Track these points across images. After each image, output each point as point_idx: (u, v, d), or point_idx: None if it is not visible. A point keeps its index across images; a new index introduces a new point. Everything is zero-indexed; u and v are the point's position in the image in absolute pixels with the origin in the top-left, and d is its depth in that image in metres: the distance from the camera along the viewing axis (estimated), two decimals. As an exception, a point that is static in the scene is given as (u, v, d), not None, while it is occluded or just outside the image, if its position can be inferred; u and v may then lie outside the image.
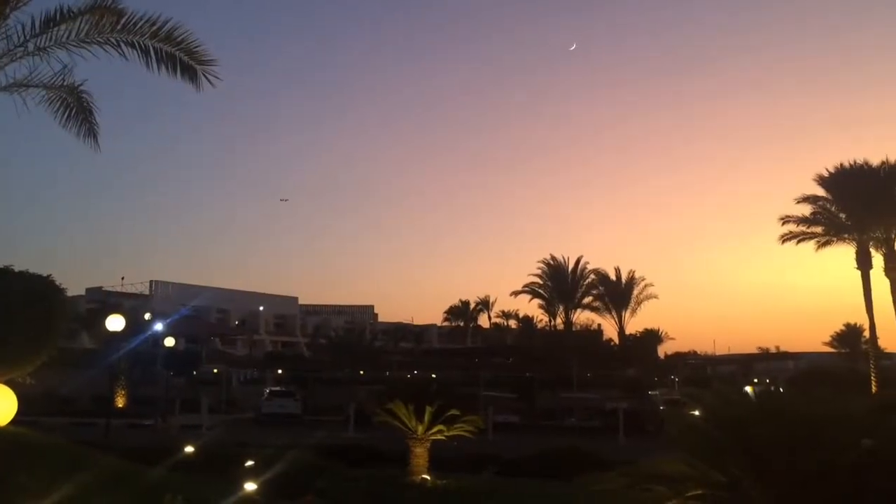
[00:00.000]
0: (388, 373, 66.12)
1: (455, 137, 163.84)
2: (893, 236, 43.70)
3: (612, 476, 6.73)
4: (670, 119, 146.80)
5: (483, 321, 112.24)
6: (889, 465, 6.11)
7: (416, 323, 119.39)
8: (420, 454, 17.48)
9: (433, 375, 55.90)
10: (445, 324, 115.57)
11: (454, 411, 17.20)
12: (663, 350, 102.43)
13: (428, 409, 17.08)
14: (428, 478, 17.10)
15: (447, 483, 16.72)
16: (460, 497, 14.82)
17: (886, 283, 43.74)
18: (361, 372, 63.70)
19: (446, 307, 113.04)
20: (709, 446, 6.27)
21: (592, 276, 73.33)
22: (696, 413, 7.24)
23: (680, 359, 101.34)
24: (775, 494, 5.56)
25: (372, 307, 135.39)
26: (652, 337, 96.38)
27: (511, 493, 15.36)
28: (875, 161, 44.60)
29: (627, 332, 78.12)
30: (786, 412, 6.18)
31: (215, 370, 68.12)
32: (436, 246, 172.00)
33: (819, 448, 5.74)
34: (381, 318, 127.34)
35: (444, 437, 17.56)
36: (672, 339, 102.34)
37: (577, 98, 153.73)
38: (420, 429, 17.35)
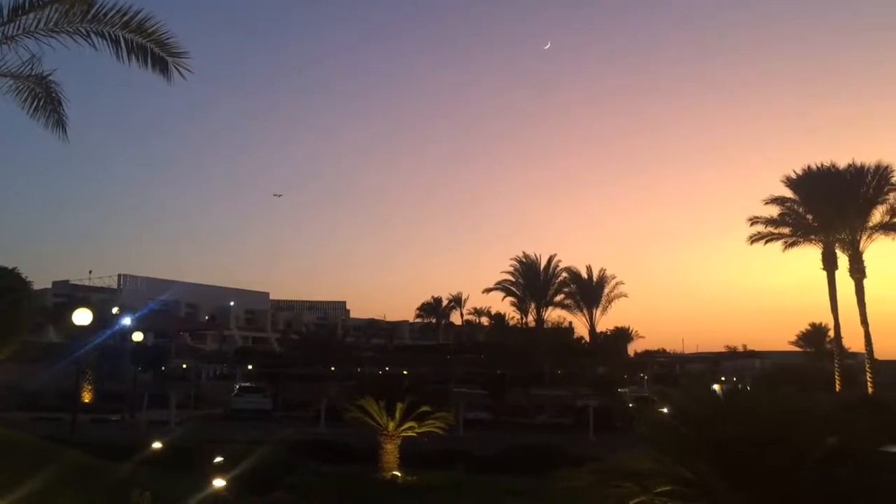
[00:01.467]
0: (359, 369, 65.83)
1: (430, 136, 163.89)
2: (858, 238, 44.56)
3: (582, 473, 6.77)
4: (643, 119, 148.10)
5: (455, 318, 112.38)
6: (853, 462, 6.23)
7: (388, 319, 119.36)
8: (391, 450, 17.49)
9: (405, 372, 55.76)
10: (418, 320, 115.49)
11: (425, 408, 17.23)
12: (633, 348, 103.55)
13: (399, 406, 17.08)
14: (398, 474, 17.11)
15: (417, 479, 16.74)
16: (430, 493, 14.84)
17: (851, 284, 44.61)
18: (333, 368, 63.40)
19: (419, 304, 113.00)
20: (677, 443, 6.33)
21: (564, 274, 73.74)
22: (665, 411, 7.32)
23: (649, 357, 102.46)
24: (742, 490, 5.64)
25: (344, 303, 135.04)
26: (622, 335, 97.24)
27: (481, 489, 15.41)
28: (842, 164, 45.51)
29: (598, 330, 78.73)
30: (753, 410, 6.27)
31: (184, 365, 67.41)
32: (409, 242, 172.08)
33: (786, 445, 5.83)
34: (353, 314, 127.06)
35: (414, 434, 17.57)
36: (642, 337, 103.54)
37: (551, 98, 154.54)
38: (391, 425, 17.35)
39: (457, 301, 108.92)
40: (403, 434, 17.65)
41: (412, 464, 18.03)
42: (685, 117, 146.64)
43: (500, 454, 20.08)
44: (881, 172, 43.97)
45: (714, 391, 7.39)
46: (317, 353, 65.78)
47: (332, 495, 13.26)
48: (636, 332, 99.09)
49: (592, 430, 37.70)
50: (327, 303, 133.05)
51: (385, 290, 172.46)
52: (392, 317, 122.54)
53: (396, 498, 14.52)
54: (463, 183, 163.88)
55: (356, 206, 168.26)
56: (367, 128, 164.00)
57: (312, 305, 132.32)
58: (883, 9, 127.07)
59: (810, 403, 6.47)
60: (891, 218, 43.74)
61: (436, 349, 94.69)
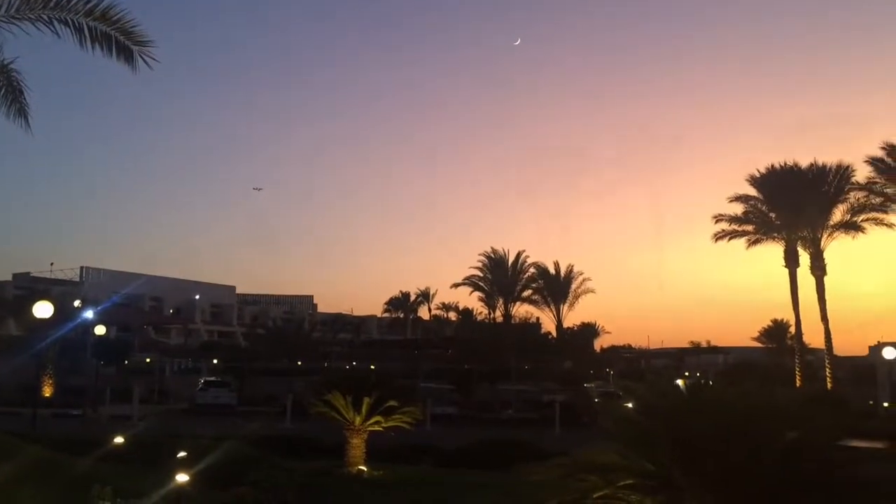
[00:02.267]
0: (326, 363, 65.55)
1: (397, 129, 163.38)
2: (820, 236, 45.46)
3: (546, 466, 6.80)
4: (609, 118, 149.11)
5: (423, 313, 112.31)
6: (813, 455, 6.36)
7: (355, 314, 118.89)
8: (357, 445, 17.44)
9: (372, 367, 55.62)
10: (385, 315, 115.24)
11: (392, 402, 17.20)
12: (599, 343, 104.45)
13: (366, 401, 17.04)
14: (365, 469, 17.07)
15: (384, 474, 16.72)
16: (397, 487, 14.83)
17: (812, 281, 45.51)
18: (299, 363, 63.03)
19: (387, 298, 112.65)
20: (641, 437, 6.40)
21: (532, 269, 74.06)
22: (630, 405, 7.39)
23: (615, 352, 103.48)
24: (705, 483, 5.71)
25: (311, 297, 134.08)
26: (588, 330, 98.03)
27: (447, 483, 15.43)
28: (804, 163, 46.36)
29: (565, 325, 79.26)
30: (716, 404, 6.36)
31: (148, 359, 66.53)
32: (377, 237, 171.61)
33: (748, 439, 5.92)
34: (320, 309, 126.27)
35: (381, 429, 17.54)
36: (608, 332, 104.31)
37: (518, 95, 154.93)
38: (357, 420, 17.30)
39: (425, 296, 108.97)
40: (370, 429, 17.62)
41: (379, 458, 18.01)
42: (652, 116, 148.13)
43: (466, 449, 20.15)
44: (842, 172, 44.87)
45: (678, 385, 7.48)
46: (283, 348, 65.32)
47: (297, 490, 13.16)
48: (603, 327, 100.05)
49: (559, 424, 37.99)
50: (294, 297, 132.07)
51: (353, 284, 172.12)
52: (360, 311, 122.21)
53: (362, 492, 14.49)
54: (431, 178, 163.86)
55: (324, 201, 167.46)
56: (336, 123, 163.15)
57: (279, 300, 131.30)
58: (846, 11, 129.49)
59: (771, 398, 6.58)
60: (851, 217, 44.65)
61: (404, 344, 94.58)
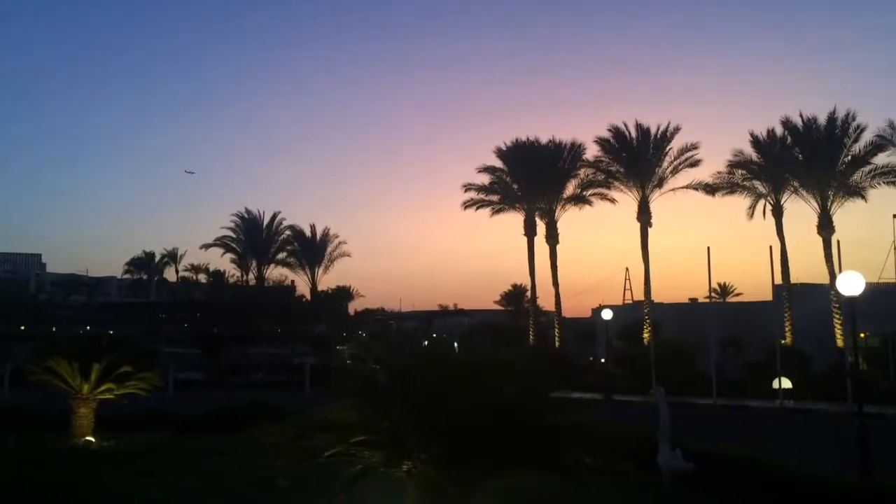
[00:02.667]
0: (54, 328, 59.88)
1: (146, 79, 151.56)
2: (555, 208, 49.51)
3: (283, 427, 6.73)
4: (375, 85, 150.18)
5: (170, 274, 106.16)
6: (530, 404, 6.89)
7: (91, 274, 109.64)
8: (85, 415, 16.18)
9: (110, 332, 51.79)
10: (127, 276, 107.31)
11: (127, 368, 16.12)
12: (354, 307, 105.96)
13: (95, 367, 15.82)
14: (92, 439, 15.88)
15: (115, 444, 15.65)
16: (128, 457, 13.93)
17: (547, 249, 49.56)
18: (22, 327, 56.93)
19: (128, 258, 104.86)
20: (376, 394, 6.53)
21: (288, 231, 72.83)
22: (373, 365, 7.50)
23: (369, 315, 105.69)
24: (430, 435, 5.96)
25: (39, 256, 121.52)
26: (343, 294, 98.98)
27: (184, 450, 14.79)
28: (544, 139, 50.07)
29: (320, 288, 79.13)
30: (444, 361, 6.65)
31: None
32: (117, 191, 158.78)
33: (472, 392, 6.25)
34: (50, 269, 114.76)
35: (113, 397, 16.40)
36: (362, 296, 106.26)
37: (279, 57, 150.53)
38: (86, 388, 16.04)
39: (172, 256, 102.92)
40: (101, 397, 16.41)
41: (112, 428, 16.91)
42: (413, 89, 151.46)
43: (209, 414, 19.42)
44: (575, 149, 49.05)
45: (412, 342, 7.72)
46: (3, 311, 58.57)
47: (12, 466, 11.89)
48: (357, 291, 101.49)
49: (309, 387, 38.06)
50: (18, 255, 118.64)
51: (89, 242, 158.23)
52: (96, 272, 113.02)
53: (88, 464, 13.41)
54: (180, 130, 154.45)
55: (57, 148, 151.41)
56: (76, 72, 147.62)
57: (1, 257, 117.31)
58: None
59: (494, 355, 7.02)
60: (581, 191, 49.02)
61: (147, 307, 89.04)
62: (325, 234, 73.82)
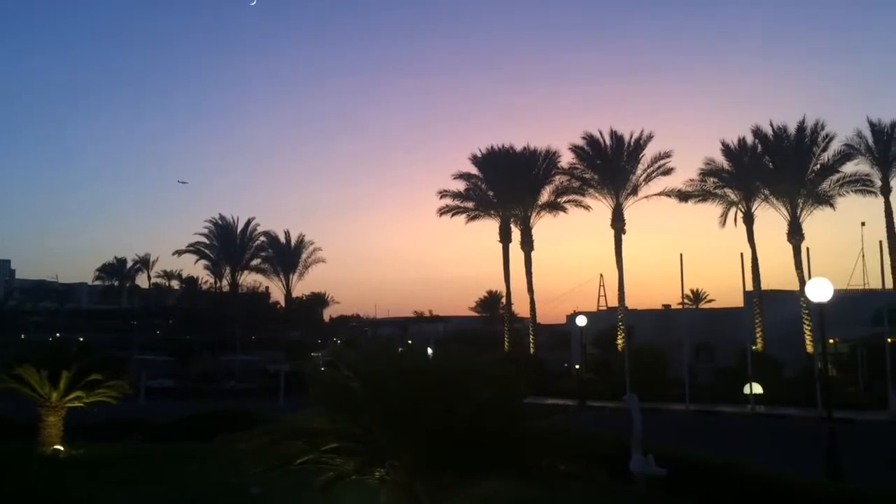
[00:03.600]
0: (23, 335, 58.89)
1: (120, 85, 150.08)
2: (530, 214, 49.71)
3: (255, 434, 6.68)
4: (351, 92, 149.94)
5: (142, 281, 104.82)
6: (502, 410, 6.91)
7: (61, 281, 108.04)
8: (53, 423, 15.95)
9: (80, 339, 51.03)
10: (98, 282, 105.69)
11: (96, 376, 15.90)
12: (329, 313, 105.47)
13: (65, 375, 15.58)
14: (61, 448, 15.63)
15: (84, 452, 15.43)
16: (96, 466, 13.74)
17: (522, 255, 49.71)
18: (-10, 335, 56.00)
19: (99, 264, 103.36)
20: (348, 401, 6.51)
21: (262, 238, 72.39)
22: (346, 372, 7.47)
23: (344, 322, 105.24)
24: (405, 441, 5.95)
25: (8, 262, 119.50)
26: (318, 300, 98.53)
27: (154, 458, 14.61)
28: (519, 146, 50.28)
29: (294, 295, 78.71)
30: (418, 367, 6.64)
31: None
32: (89, 196, 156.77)
33: (445, 398, 6.26)
34: (19, 275, 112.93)
35: (82, 404, 16.17)
36: (337, 302, 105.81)
37: (258, 59, 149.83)
38: (54, 396, 15.81)
39: (144, 262, 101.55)
40: (70, 405, 16.17)
41: (83, 437, 16.71)
42: (389, 96, 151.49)
43: (181, 421, 19.24)
44: (550, 157, 49.31)
45: (389, 350, 7.71)
46: (-30, 318, 57.55)
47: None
48: (332, 297, 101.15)
49: (283, 394, 37.80)
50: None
51: (59, 248, 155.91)
52: (67, 278, 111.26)
53: (56, 473, 13.20)
54: (158, 137, 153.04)
55: (26, 152, 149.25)
56: (48, 66, 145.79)
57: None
58: (563, 7, 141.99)
59: (467, 361, 7.02)
60: (555, 198, 49.28)
61: (118, 314, 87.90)
62: (300, 241, 73.52)
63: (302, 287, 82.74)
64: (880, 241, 34.53)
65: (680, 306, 44.88)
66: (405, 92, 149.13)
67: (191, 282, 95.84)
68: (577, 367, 43.19)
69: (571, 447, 7.13)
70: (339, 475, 5.96)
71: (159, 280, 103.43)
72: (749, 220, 43.42)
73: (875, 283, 42.23)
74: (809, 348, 39.11)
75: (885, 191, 40.10)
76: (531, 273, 49.26)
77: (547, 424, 7.10)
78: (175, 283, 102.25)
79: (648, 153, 45.79)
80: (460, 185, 51.36)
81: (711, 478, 11.54)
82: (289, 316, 77.85)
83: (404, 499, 6.21)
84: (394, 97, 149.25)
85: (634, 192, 46.08)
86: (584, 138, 46.51)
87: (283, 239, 72.83)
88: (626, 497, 10.70)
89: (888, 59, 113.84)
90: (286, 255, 72.49)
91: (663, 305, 55.60)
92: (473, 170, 50.96)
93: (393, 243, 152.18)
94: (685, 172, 66.59)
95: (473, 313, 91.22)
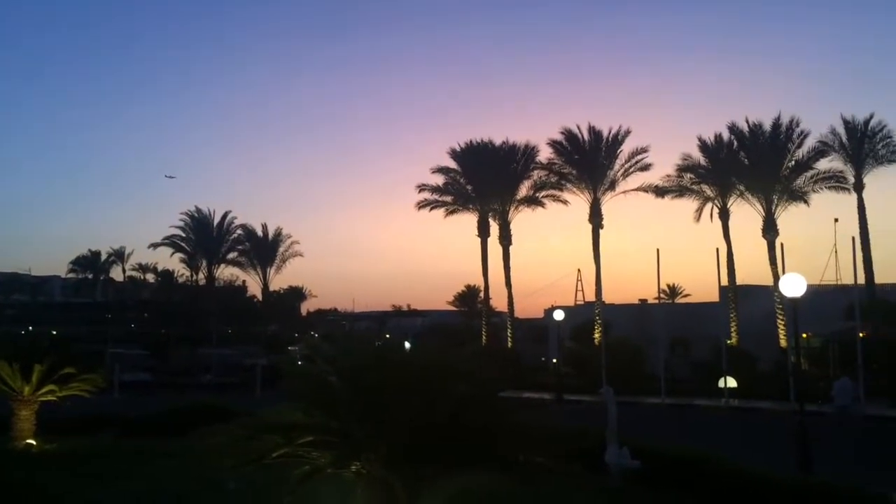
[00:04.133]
0: (-5, 329, 58.10)
1: (93, 77, 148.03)
2: (508, 209, 49.82)
3: (230, 428, 6.63)
4: (329, 85, 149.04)
5: (117, 274, 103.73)
6: (480, 404, 6.92)
7: (34, 273, 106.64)
8: (26, 417, 15.78)
9: (53, 332, 50.44)
10: (71, 275, 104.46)
11: (69, 370, 15.73)
12: (306, 307, 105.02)
13: (37, 368, 15.40)
14: (34, 442, 15.46)
15: (56, 447, 15.26)
16: (70, 461, 13.59)
17: (500, 250, 49.83)
18: (-39, 328, 55.13)
19: (72, 257, 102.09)
20: (326, 395, 6.48)
21: (239, 231, 71.87)
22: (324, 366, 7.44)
23: (321, 315, 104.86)
24: (382, 435, 5.94)
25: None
26: (295, 294, 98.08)
27: (129, 452, 14.49)
28: (498, 140, 50.35)
29: (272, 288, 78.27)
30: (396, 361, 6.64)
31: None
32: (61, 187, 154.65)
33: (423, 391, 6.25)
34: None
35: (55, 398, 16.00)
36: (315, 296, 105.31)
37: (235, 54, 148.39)
38: (27, 389, 15.63)
39: (119, 255, 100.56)
40: (43, 399, 15.99)
41: (56, 431, 16.50)
42: (368, 89, 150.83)
43: (155, 415, 19.07)
44: (529, 151, 49.44)
45: (366, 343, 7.71)
46: (-60, 311, 56.62)
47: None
48: (310, 291, 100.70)
49: (260, 388, 37.69)
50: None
51: (32, 240, 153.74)
52: (39, 271, 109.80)
53: (29, 468, 13.04)
54: (132, 128, 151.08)
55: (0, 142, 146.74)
56: (17, 72, 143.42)
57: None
58: (544, 2, 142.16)
59: (445, 355, 7.02)
60: (534, 192, 49.42)
61: (92, 307, 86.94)
62: (278, 234, 73.10)
63: (279, 281, 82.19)
64: (853, 238, 34.87)
65: (656, 301, 45.26)
66: (385, 85, 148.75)
67: (166, 275, 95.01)
68: (555, 361, 43.44)
69: (548, 441, 7.17)
70: (316, 469, 5.95)
71: (134, 273, 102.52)
72: (725, 215, 43.85)
73: (847, 279, 42.81)
74: (783, 343, 39.59)
75: (858, 187, 40.60)
76: (509, 267, 49.43)
77: (524, 418, 7.11)
78: (150, 277, 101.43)
79: (626, 149, 46.13)
80: (439, 179, 51.41)
81: (684, 470, 11.67)
82: (266, 310, 77.43)
83: (380, 493, 6.20)
84: (373, 90, 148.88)
85: (612, 187, 46.38)
86: (562, 133, 46.74)
87: (260, 232, 72.38)
88: (602, 489, 10.78)
89: (863, 56, 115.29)
90: (263, 249, 72.06)
91: (640, 300, 56.06)
92: (452, 164, 51.03)
93: (371, 237, 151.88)
94: (662, 168, 67.02)
95: (452, 307, 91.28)
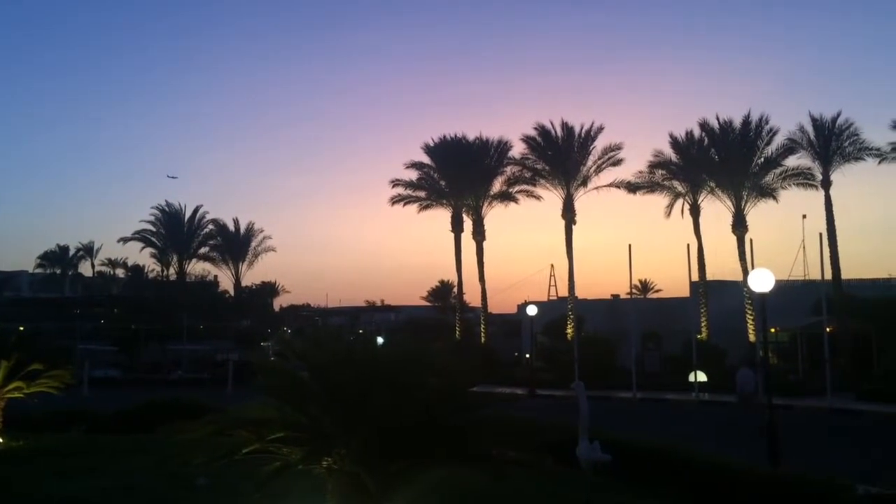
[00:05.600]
0: (-40, 325, 56.94)
1: (60, 67, 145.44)
2: (481, 204, 49.93)
3: (200, 424, 6.57)
4: (303, 78, 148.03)
5: (86, 269, 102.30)
6: (452, 399, 6.93)
7: (1, 269, 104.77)
8: (-8, 414, 15.49)
9: (20, 328, 49.61)
10: (39, 270, 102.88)
11: (36, 366, 15.51)
12: (279, 302, 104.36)
13: (4, 364, 15.17)
14: (0, 440, 15.21)
15: (23, 444, 15.04)
16: (38, 458, 13.39)
17: (474, 245, 49.93)
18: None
19: (40, 251, 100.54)
20: (296, 390, 6.44)
21: (211, 225, 71.38)
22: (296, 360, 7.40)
23: (294, 311, 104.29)
24: (353, 430, 5.92)
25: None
26: (268, 289, 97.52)
27: (99, 449, 14.31)
28: (471, 136, 50.41)
29: (244, 283, 77.81)
30: (367, 355, 6.62)
31: None
32: (28, 182, 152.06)
33: (395, 386, 6.24)
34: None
35: (22, 395, 15.77)
36: (288, 292, 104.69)
37: (204, 44, 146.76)
38: (-7, 386, 15.33)
39: (87, 250, 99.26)
40: (9, 395, 15.75)
41: (23, 428, 16.34)
42: (342, 84, 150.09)
43: (125, 412, 18.89)
44: (502, 147, 49.60)
45: (337, 338, 7.69)
46: None
47: None
48: (283, 286, 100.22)
49: (231, 384, 37.47)
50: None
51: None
52: (6, 266, 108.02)
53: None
54: (102, 124, 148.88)
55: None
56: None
57: None
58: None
59: (416, 350, 7.02)
60: (508, 188, 49.58)
61: (61, 303, 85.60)
62: (250, 229, 72.70)
63: (252, 276, 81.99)
64: (820, 234, 35.50)
65: (628, 296, 45.66)
66: (359, 80, 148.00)
67: (136, 270, 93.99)
68: (528, 356, 43.68)
69: (521, 435, 7.20)
70: (286, 465, 5.92)
71: (103, 268, 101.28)
72: (695, 211, 44.34)
73: (815, 275, 43.53)
74: (752, 337, 40.15)
75: (826, 184, 41.21)
76: (483, 263, 49.58)
77: (497, 413, 7.13)
78: (120, 272, 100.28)
79: (599, 145, 46.46)
80: (412, 175, 51.38)
81: (654, 463, 11.82)
82: (238, 305, 76.90)
83: (352, 488, 6.19)
84: (347, 85, 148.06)
85: (585, 183, 46.68)
86: (535, 129, 46.94)
87: (232, 227, 71.98)
88: (573, 482, 10.88)
89: (831, 55, 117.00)
90: (235, 243, 71.65)
91: (612, 295, 56.45)
92: (426, 159, 51.03)
93: (345, 232, 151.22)
94: (635, 164, 67.60)
95: (425, 302, 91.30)
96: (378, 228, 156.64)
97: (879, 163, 40.96)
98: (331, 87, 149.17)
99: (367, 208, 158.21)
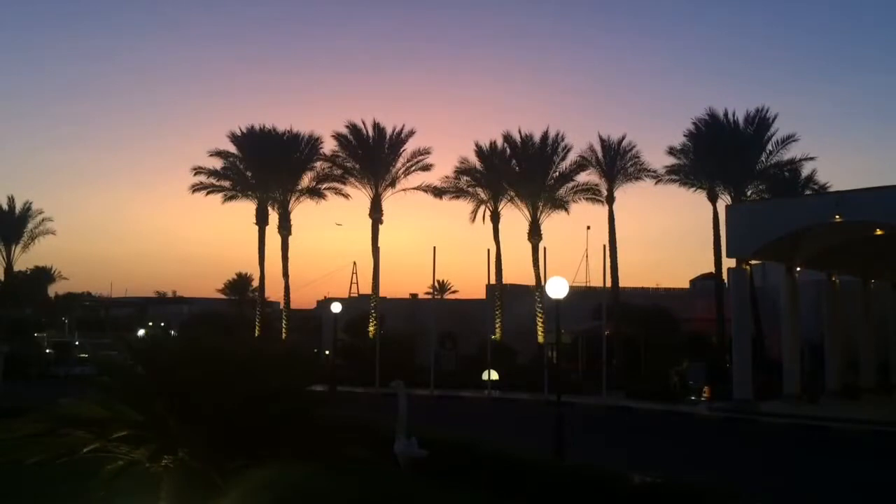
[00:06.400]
0: None
1: None
2: (289, 199, 49.33)
3: (25, 422, 6.34)
4: (96, 52, 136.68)
5: None
6: (291, 398, 7.21)
7: None
8: None
9: None
10: None
11: None
12: (54, 290, 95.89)
13: None
14: None
15: None
16: None
17: (279, 239, 49.20)
18: None
19: None
20: (134, 388, 6.43)
21: (-21, 203, 64.25)
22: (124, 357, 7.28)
23: (73, 299, 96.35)
24: (198, 429, 6.05)
25: None
26: (43, 275, 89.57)
27: None
28: (281, 128, 49.67)
29: (16, 268, 70.83)
30: (212, 356, 6.73)
31: None
32: None
33: (238, 386, 6.43)
34: None
35: None
36: (66, 278, 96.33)
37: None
38: None
39: None
40: None
41: None
42: (147, 61, 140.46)
43: None
44: (313, 142, 49.29)
45: (174, 338, 7.66)
46: None
47: None
48: (60, 272, 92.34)
49: (2, 377, 34.38)
50: None
51: None
52: None
53: None
54: None
55: None
56: None
57: None
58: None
59: (260, 351, 7.24)
60: (316, 184, 49.42)
61: None
62: (27, 209, 66.44)
63: (27, 260, 74.68)
64: (604, 245, 39.10)
65: (428, 296, 47.27)
66: (161, 58, 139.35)
67: None
68: (327, 353, 43.85)
69: (345, 431, 7.65)
70: (130, 463, 5.91)
71: None
72: (496, 218, 46.77)
73: (596, 282, 47.65)
74: (540, 339, 43.14)
75: (610, 200, 45.04)
76: (287, 258, 49.03)
77: (330, 411, 7.51)
78: None
79: (409, 148, 47.57)
80: (217, 163, 49.62)
81: (459, 456, 12.66)
82: (9, 291, 69.93)
83: (189, 484, 6.30)
84: (147, 62, 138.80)
85: (393, 184, 47.64)
86: (347, 127, 47.23)
87: (6, 205, 65.40)
88: (391, 477, 11.43)
89: (618, 79, 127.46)
90: (9, 224, 65.27)
91: (411, 294, 58.05)
92: (232, 148, 49.51)
93: (136, 218, 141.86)
94: (441, 170, 69.91)
95: (221, 295, 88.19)
96: (176, 217, 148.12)
97: (656, 183, 45.64)
98: (131, 61, 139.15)
99: (164, 195, 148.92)
